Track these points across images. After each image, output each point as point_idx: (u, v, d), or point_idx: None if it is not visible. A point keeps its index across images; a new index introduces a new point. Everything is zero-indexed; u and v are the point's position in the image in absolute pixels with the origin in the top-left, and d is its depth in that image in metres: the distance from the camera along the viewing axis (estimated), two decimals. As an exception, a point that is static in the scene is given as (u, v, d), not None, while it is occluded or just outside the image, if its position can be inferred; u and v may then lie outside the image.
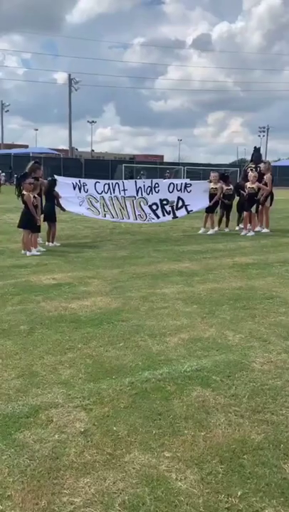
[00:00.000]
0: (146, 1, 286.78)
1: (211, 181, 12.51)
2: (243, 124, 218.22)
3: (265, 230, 12.50)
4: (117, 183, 11.96)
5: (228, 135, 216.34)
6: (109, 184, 11.75)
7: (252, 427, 2.96)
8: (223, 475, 2.50)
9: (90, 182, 11.65)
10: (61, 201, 10.70)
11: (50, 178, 10.58)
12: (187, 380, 3.57)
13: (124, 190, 11.69)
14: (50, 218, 10.01)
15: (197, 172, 42.19)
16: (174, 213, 12.27)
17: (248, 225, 12.10)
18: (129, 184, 12.05)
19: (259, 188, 12.00)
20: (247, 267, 7.84)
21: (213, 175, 12.64)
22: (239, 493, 2.35)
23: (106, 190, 11.54)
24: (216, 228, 12.59)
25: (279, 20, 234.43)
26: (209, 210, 12.40)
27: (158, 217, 12.15)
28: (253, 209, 12.31)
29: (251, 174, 12.23)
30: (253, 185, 11.97)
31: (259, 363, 3.90)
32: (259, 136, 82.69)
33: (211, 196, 12.28)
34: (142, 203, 11.86)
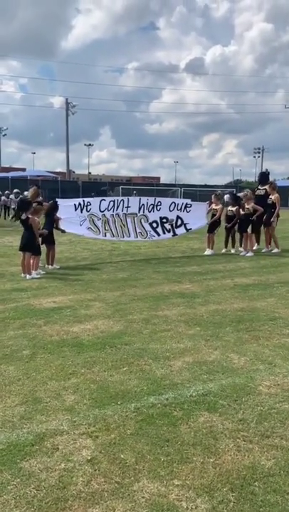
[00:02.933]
0: (141, 27, 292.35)
1: (211, 202, 12.63)
2: (237, 145, 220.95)
3: (275, 250, 12.53)
4: (122, 199, 12.05)
5: (223, 156, 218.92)
6: (114, 201, 11.84)
7: (261, 453, 2.91)
8: (234, 503, 2.44)
9: (94, 201, 11.76)
10: (61, 223, 10.75)
11: (51, 201, 10.63)
12: (194, 404, 3.53)
13: (127, 207, 11.79)
14: (49, 241, 10.00)
15: (194, 193, 42.48)
16: (173, 231, 12.46)
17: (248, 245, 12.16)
18: (134, 201, 12.13)
19: (255, 210, 12.08)
20: (248, 287, 7.82)
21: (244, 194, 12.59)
22: (252, 523, 2.30)
23: (109, 208, 11.60)
24: (223, 250, 12.67)
25: (270, 44, 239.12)
26: (209, 230, 12.45)
27: (158, 234, 12.29)
28: (249, 229, 12.36)
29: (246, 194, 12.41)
30: (248, 206, 12.09)
31: (266, 387, 3.86)
32: (254, 157, 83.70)
33: (213, 217, 12.44)
34: (142, 220, 11.99)
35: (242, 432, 3.15)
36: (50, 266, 9.94)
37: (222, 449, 2.95)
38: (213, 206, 12.50)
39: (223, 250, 12.66)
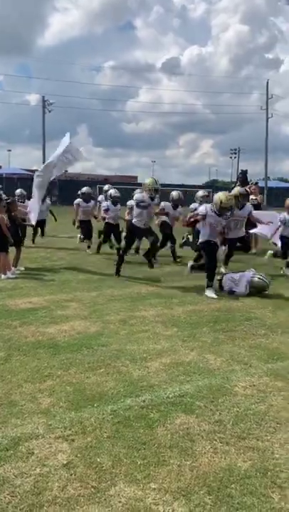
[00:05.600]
0: (118, 26, 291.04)
1: None
2: (213, 145, 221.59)
3: (253, 250, 12.60)
4: None
5: (200, 156, 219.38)
6: None
7: (238, 455, 2.92)
8: (211, 506, 2.44)
9: None
10: (31, 217, 10.47)
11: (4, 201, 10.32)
12: (170, 406, 3.52)
13: None
14: (15, 242, 9.51)
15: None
16: None
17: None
18: None
19: None
20: (224, 288, 7.85)
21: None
22: (229, 526, 2.30)
23: None
24: None
25: (246, 46, 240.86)
26: None
27: None
28: None
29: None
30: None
31: (241, 387, 3.88)
32: (230, 157, 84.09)
33: None
34: None
35: (218, 433, 3.16)
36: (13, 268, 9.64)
37: (199, 451, 2.95)
38: None
39: None
